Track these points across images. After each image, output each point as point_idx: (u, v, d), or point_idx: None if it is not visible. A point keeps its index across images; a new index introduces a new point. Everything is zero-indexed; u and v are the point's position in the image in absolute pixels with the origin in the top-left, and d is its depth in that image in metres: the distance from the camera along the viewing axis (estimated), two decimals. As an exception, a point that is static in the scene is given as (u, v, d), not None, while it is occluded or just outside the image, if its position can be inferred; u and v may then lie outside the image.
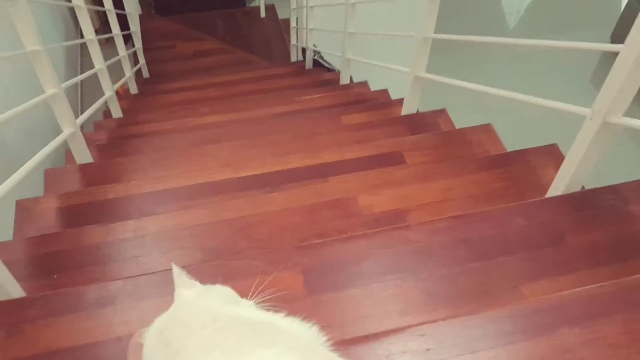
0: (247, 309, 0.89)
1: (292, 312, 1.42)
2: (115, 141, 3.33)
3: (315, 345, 0.78)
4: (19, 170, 1.81)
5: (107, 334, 1.39)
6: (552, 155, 2.08)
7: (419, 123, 2.82)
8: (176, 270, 0.98)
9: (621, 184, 1.72)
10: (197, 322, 0.75)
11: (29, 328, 1.40)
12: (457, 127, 2.73)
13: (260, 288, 1.01)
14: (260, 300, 0.99)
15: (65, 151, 2.74)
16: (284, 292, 1.41)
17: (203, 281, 1.01)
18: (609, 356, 1.13)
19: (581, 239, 1.60)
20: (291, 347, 0.69)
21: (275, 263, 1.48)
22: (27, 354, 1.35)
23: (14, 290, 1.52)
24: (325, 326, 1.41)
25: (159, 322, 0.82)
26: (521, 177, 2.01)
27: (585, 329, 1.18)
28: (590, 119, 1.59)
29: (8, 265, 1.51)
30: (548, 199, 1.75)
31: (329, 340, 0.84)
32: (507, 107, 4.73)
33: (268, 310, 0.89)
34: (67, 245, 1.82)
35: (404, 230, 1.58)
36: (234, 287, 1.38)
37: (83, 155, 2.63)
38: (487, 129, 2.47)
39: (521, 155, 2.10)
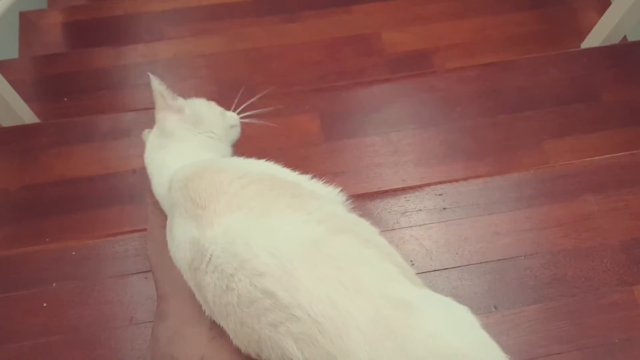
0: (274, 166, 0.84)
1: (307, 157, 1.40)
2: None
3: (337, 210, 0.75)
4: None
5: (123, 166, 1.39)
6: (599, -3, 1.88)
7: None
8: (157, 87, 0.87)
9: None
10: (225, 179, 0.71)
11: (43, 155, 1.40)
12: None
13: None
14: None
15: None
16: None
17: None
18: (628, 226, 1.13)
19: (616, 96, 1.51)
20: (315, 214, 0.67)
21: (292, 105, 1.42)
22: (42, 180, 1.36)
23: (27, 115, 1.49)
24: (340, 173, 1.41)
25: (183, 172, 0.77)
26: (561, 20, 1.84)
27: (609, 197, 1.16)
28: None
29: (15, 85, 1.45)
30: (586, 50, 1.62)
31: (348, 199, 0.81)
32: None
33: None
34: (76, 66, 1.74)
35: (429, 77, 1.49)
36: (250, 127, 1.35)
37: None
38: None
39: (565, -6, 1.90)
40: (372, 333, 0.55)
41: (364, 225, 0.71)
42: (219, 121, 0.90)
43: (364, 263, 0.63)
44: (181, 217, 0.72)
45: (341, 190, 0.79)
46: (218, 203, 0.68)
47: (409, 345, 0.55)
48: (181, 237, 0.71)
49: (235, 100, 0.94)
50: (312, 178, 0.79)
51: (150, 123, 1.45)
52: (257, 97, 0.94)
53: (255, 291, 0.60)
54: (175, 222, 0.73)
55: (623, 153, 1.21)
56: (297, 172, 0.80)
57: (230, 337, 0.65)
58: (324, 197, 0.75)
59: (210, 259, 0.65)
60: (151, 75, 0.88)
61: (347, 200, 0.78)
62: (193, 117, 0.87)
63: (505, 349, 0.98)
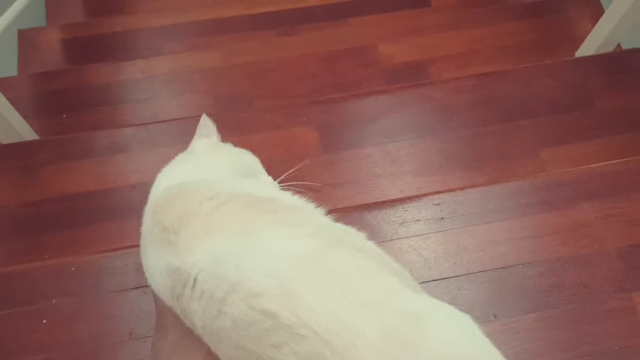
0: (256, 185, 0.85)
1: (306, 168, 1.41)
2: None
3: (324, 221, 0.75)
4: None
5: (122, 181, 1.40)
6: (592, 7, 1.90)
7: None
8: (204, 120, 0.95)
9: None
10: (193, 199, 0.70)
11: (43, 172, 1.40)
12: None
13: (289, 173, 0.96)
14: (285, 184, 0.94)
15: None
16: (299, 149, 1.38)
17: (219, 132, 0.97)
18: (625, 233, 1.13)
19: (611, 104, 1.52)
20: (305, 228, 0.67)
21: (290, 117, 1.43)
22: (42, 196, 1.37)
23: (26, 132, 1.50)
24: (338, 184, 1.42)
25: (152, 195, 0.78)
26: (556, 30, 1.86)
27: (604, 204, 1.16)
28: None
29: (15, 102, 1.46)
30: (580, 58, 1.63)
31: (328, 213, 0.80)
32: None
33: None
34: (75, 83, 1.76)
35: (426, 88, 1.50)
36: (246, 141, 1.35)
37: (84, -22, 2.43)
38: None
39: (558, 4, 1.92)
40: (383, 347, 0.55)
41: (353, 234, 0.71)
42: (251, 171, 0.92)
43: (365, 276, 0.62)
44: (152, 244, 0.70)
45: (331, 204, 0.79)
46: (192, 226, 0.67)
47: (420, 355, 0.55)
48: (155, 265, 0.69)
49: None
50: (288, 192, 0.79)
51: (149, 138, 1.46)
52: (296, 168, 0.97)
53: (254, 313, 0.58)
54: (147, 250, 0.71)
55: (618, 160, 1.22)
56: (276, 188, 0.80)
57: None
58: (304, 209, 0.75)
59: (194, 284, 0.63)
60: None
61: (326, 212, 0.77)
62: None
63: (505, 357, 0.99)
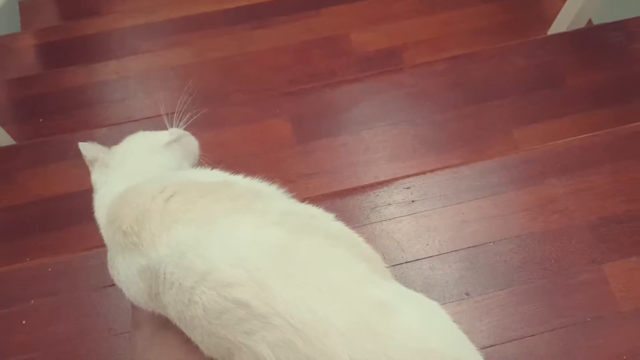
0: (202, 171, 0.83)
1: (281, 160, 1.42)
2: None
3: (287, 206, 0.75)
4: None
5: (99, 181, 1.40)
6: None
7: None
8: (83, 149, 0.90)
9: (629, 19, 1.60)
10: (145, 197, 0.70)
11: (19, 176, 1.41)
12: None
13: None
14: None
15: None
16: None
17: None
18: (594, 206, 1.15)
19: (581, 80, 1.54)
20: (269, 216, 0.67)
21: (263, 110, 1.44)
22: (20, 201, 1.38)
23: (2, 138, 1.50)
24: (313, 174, 1.43)
25: (100, 214, 0.78)
26: (527, 9, 1.87)
27: (573, 179, 1.18)
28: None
29: (-9, 109, 1.47)
30: (550, 36, 1.65)
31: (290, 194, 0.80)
32: None
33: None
34: (50, 87, 1.76)
35: (397, 74, 1.51)
36: (223, 135, 1.36)
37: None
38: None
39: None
40: (353, 336, 0.56)
41: (320, 217, 0.71)
42: (155, 152, 0.88)
43: (334, 265, 0.63)
44: (118, 253, 0.71)
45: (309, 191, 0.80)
46: (151, 223, 0.67)
47: (390, 345, 0.56)
48: (127, 272, 0.70)
49: (175, 116, 0.91)
50: (245, 177, 0.77)
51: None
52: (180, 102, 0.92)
53: (226, 302, 0.59)
54: (116, 262, 0.72)
55: (585, 135, 1.24)
56: (228, 173, 0.79)
57: (199, 347, 0.65)
58: (264, 192, 0.75)
59: (164, 277, 0.65)
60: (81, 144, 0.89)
61: (286, 192, 0.77)
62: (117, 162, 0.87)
63: (479, 334, 1.00)
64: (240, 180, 0.77)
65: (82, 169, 1.42)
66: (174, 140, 0.88)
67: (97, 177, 0.87)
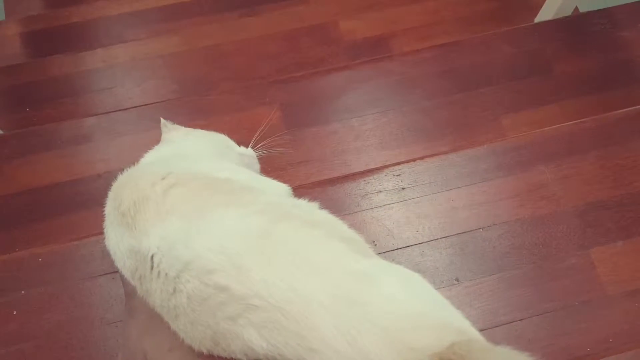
0: (219, 166, 0.86)
1: (269, 148, 1.42)
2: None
3: (273, 199, 0.77)
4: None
5: (87, 171, 1.40)
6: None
7: None
8: (164, 125, 0.97)
9: (615, 6, 1.61)
10: (146, 181, 0.72)
11: (7, 167, 1.40)
12: None
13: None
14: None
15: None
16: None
17: (180, 118, 0.99)
18: (581, 192, 1.16)
19: (568, 67, 1.55)
20: (253, 207, 0.68)
21: (253, 98, 1.44)
22: (8, 191, 1.36)
23: (-13, 129, 1.49)
24: (303, 162, 1.43)
25: (115, 183, 0.79)
26: (514, -4, 1.87)
27: (560, 165, 1.20)
28: None
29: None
30: (538, 24, 1.65)
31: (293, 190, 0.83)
32: None
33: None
34: (36, 76, 1.74)
35: (386, 62, 1.51)
36: (211, 125, 1.36)
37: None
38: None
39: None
40: (335, 307, 0.57)
41: (304, 206, 0.73)
42: (229, 152, 0.97)
43: (313, 243, 0.65)
44: (112, 225, 0.73)
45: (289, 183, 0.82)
46: (146, 212, 0.69)
47: (371, 310, 0.57)
48: (116, 246, 0.72)
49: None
50: (247, 171, 0.81)
51: (111, 126, 1.46)
52: (271, 138, 1.05)
53: (207, 288, 0.61)
54: (109, 232, 0.74)
55: (572, 122, 1.25)
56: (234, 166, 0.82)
57: (182, 338, 0.67)
58: (258, 189, 0.77)
59: (152, 266, 0.66)
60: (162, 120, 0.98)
61: (291, 190, 0.80)
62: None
63: (469, 319, 1.01)
64: (244, 176, 0.79)
65: (70, 158, 1.42)
66: (247, 155, 0.99)
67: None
